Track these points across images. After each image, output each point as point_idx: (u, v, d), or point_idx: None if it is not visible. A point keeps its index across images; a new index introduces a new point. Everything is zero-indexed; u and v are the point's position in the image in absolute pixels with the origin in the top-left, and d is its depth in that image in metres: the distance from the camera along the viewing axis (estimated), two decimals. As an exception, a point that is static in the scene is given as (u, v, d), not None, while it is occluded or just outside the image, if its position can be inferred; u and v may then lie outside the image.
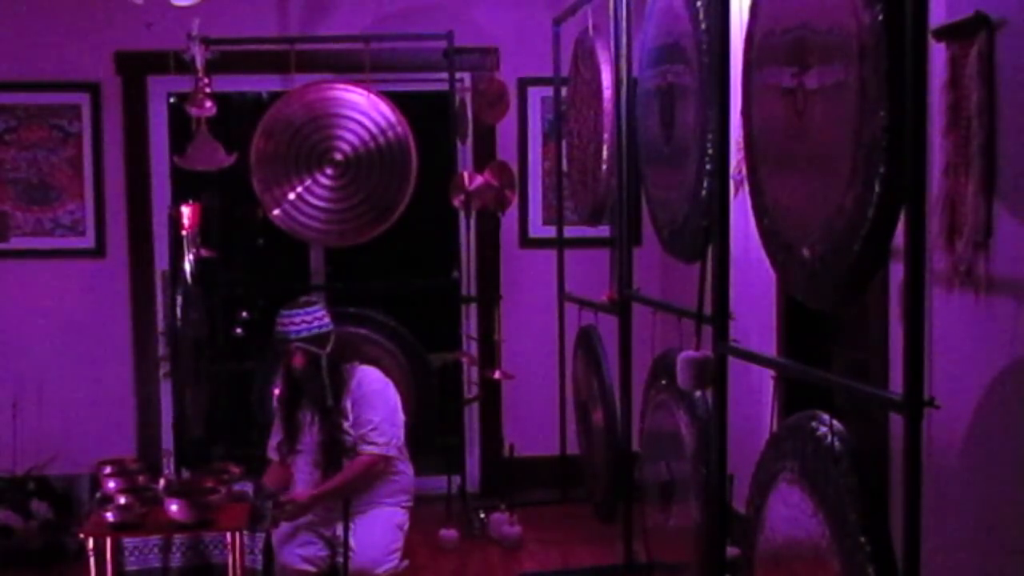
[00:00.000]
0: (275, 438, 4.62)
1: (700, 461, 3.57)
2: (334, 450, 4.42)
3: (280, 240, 5.94)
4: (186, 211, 4.92)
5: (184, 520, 3.79)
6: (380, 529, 4.43)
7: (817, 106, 2.51)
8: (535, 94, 5.99)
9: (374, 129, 5.57)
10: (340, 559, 4.34)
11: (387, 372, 4.79)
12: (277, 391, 4.82)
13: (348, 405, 4.43)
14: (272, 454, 4.61)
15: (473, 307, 5.98)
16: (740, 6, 3.26)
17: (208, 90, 5.14)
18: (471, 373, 5.91)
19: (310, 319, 4.40)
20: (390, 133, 5.57)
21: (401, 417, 4.57)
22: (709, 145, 3.39)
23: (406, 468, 4.63)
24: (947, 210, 2.99)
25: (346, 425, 4.42)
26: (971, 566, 3.07)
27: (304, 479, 4.51)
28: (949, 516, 3.08)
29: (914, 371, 2.29)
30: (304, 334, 4.37)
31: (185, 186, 5.56)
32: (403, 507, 4.57)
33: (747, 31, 2.89)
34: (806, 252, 2.57)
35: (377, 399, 4.48)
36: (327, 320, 4.45)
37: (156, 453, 5.73)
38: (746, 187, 3.01)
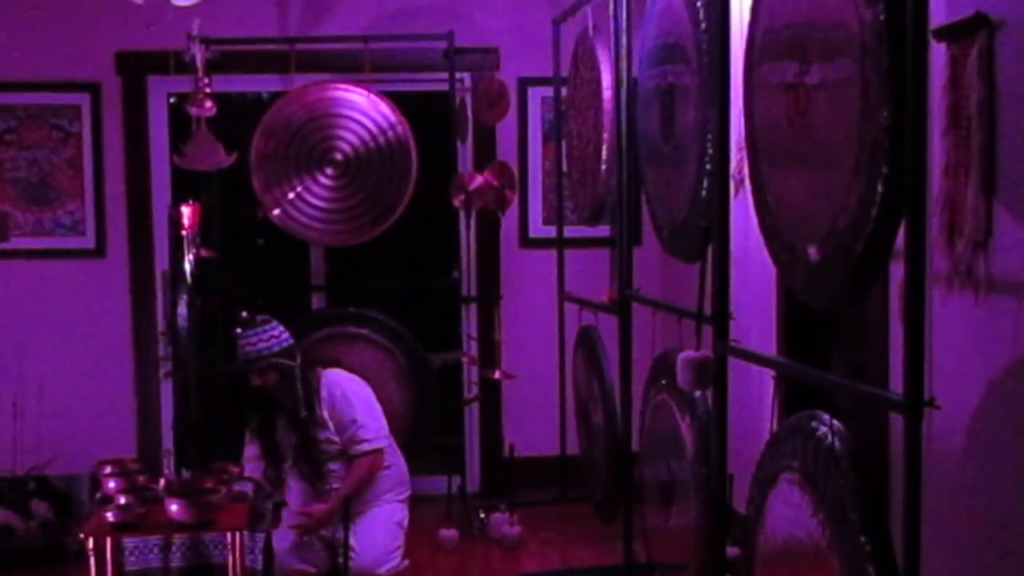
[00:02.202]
0: (249, 450, 4.61)
1: (700, 461, 3.57)
2: (314, 459, 4.42)
3: (280, 240, 5.94)
4: (186, 211, 4.92)
5: (184, 520, 3.79)
6: (381, 528, 4.43)
7: (819, 104, 2.51)
8: (535, 94, 5.99)
9: (374, 129, 5.57)
10: (341, 559, 4.34)
11: (387, 372, 4.80)
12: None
13: (324, 414, 4.43)
14: (247, 464, 4.60)
15: (473, 307, 5.98)
16: (740, 6, 3.26)
17: (208, 90, 5.14)
18: (471, 373, 5.91)
19: (277, 334, 4.43)
20: (390, 133, 5.57)
21: (378, 407, 4.58)
22: (709, 145, 3.39)
23: (397, 459, 4.64)
24: (947, 210, 2.99)
25: (327, 434, 4.43)
26: (971, 566, 3.07)
27: (297, 489, 4.51)
28: (949, 516, 3.08)
29: (914, 371, 2.29)
30: (276, 349, 4.39)
31: (185, 186, 5.56)
32: (401, 501, 4.57)
33: (748, 29, 2.89)
34: (809, 251, 2.57)
35: (351, 397, 4.50)
36: (287, 334, 4.48)
37: (156, 453, 5.73)
38: (746, 187, 3.01)
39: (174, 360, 5.15)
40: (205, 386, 5.37)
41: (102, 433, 5.79)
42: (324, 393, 4.47)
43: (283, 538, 4.39)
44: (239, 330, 4.50)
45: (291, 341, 4.47)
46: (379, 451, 4.47)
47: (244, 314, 4.64)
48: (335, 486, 4.45)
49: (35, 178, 5.86)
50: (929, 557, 2.48)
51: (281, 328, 4.48)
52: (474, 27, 5.86)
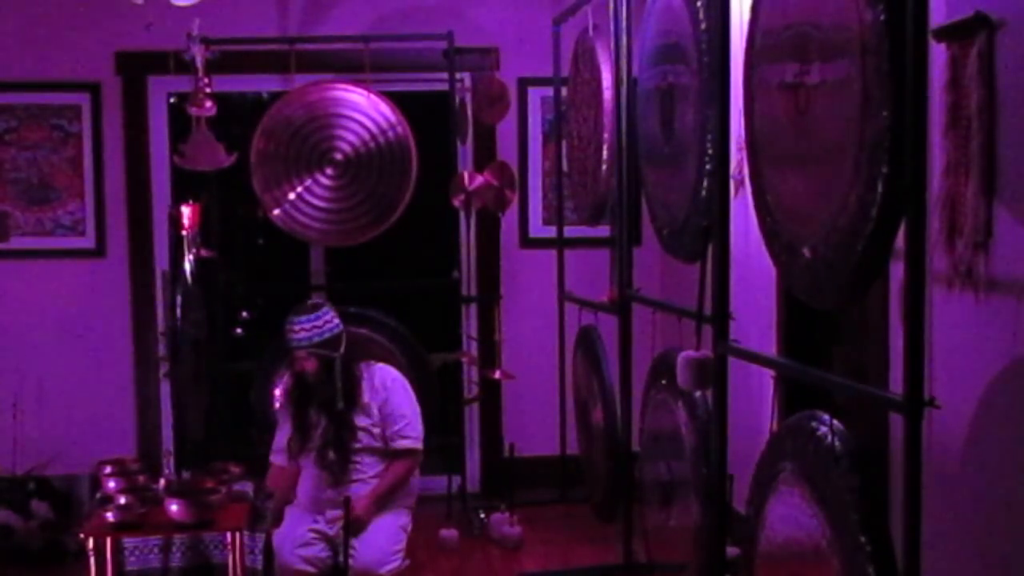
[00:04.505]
0: (280, 439, 4.61)
1: (700, 461, 3.57)
2: (341, 451, 4.42)
3: (280, 240, 5.94)
4: (186, 211, 4.92)
5: (184, 520, 3.79)
6: (384, 530, 4.42)
7: (819, 104, 2.51)
8: (535, 94, 5.99)
9: (374, 129, 5.57)
10: (342, 559, 4.34)
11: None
12: (278, 391, 4.81)
13: (372, 403, 4.43)
14: (274, 457, 4.60)
15: (473, 307, 5.98)
16: (740, 6, 3.26)
17: (208, 90, 5.14)
18: (471, 373, 5.91)
19: (321, 324, 4.37)
20: (390, 133, 5.57)
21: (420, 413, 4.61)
22: (709, 145, 3.39)
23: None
24: (947, 210, 2.99)
25: (367, 423, 4.42)
26: (971, 566, 3.07)
27: (311, 478, 4.50)
28: (949, 516, 3.08)
29: (914, 371, 2.29)
30: (317, 340, 4.35)
31: (185, 186, 5.56)
32: (407, 507, 4.57)
33: (748, 29, 2.89)
34: (808, 252, 2.57)
35: (405, 394, 4.52)
36: (337, 321, 4.42)
37: (156, 453, 5.73)
38: (746, 187, 3.01)
39: (174, 360, 5.15)
40: (205, 386, 5.38)
41: (102, 433, 5.79)
42: (376, 383, 4.46)
43: (283, 537, 4.39)
44: (291, 315, 4.45)
45: (337, 330, 4.40)
46: (419, 453, 4.49)
47: (244, 314, 4.62)
48: (355, 478, 4.44)
49: (35, 178, 5.85)
50: (929, 557, 2.48)
51: (331, 316, 4.41)
52: (474, 27, 5.86)
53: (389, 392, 4.46)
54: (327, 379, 4.38)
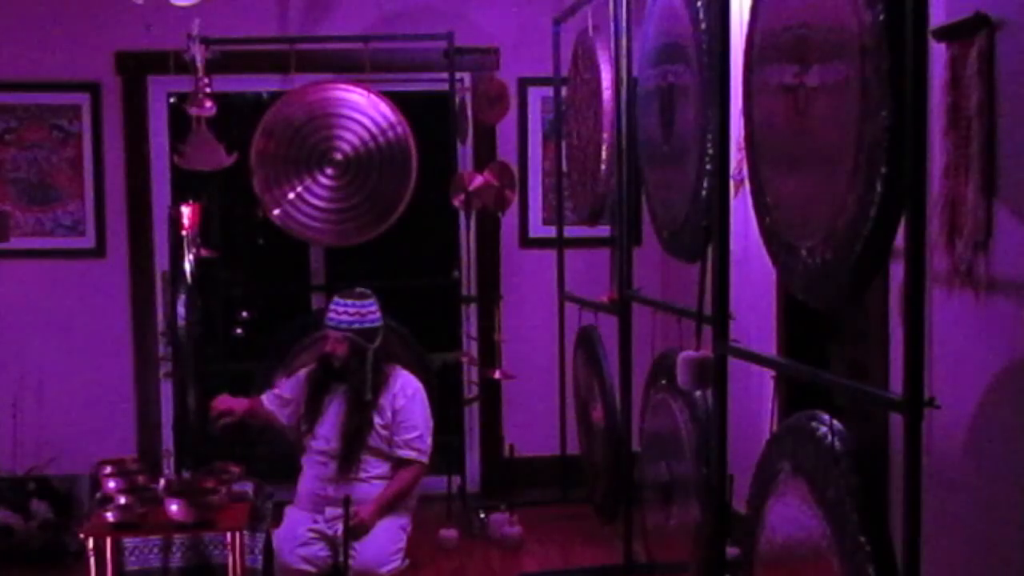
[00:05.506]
0: (283, 392, 4.66)
1: (700, 461, 3.57)
2: (356, 443, 4.42)
3: (280, 240, 5.94)
4: (186, 211, 4.92)
5: (184, 520, 3.79)
6: (383, 530, 4.43)
7: (818, 105, 2.51)
8: (535, 94, 5.99)
9: (374, 129, 5.57)
10: (342, 559, 4.34)
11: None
12: (278, 390, 4.81)
13: (387, 405, 4.45)
14: (266, 397, 4.66)
15: (473, 307, 5.98)
16: (740, 6, 3.26)
17: (208, 90, 5.14)
18: (471, 373, 5.91)
19: (364, 312, 4.45)
20: (390, 133, 5.57)
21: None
22: (709, 145, 3.39)
23: None
24: (947, 210, 2.99)
25: (379, 423, 4.44)
26: (971, 566, 3.07)
27: (312, 475, 4.50)
28: (949, 516, 3.08)
29: (914, 371, 2.29)
30: (357, 326, 4.41)
31: (185, 186, 5.56)
32: (407, 508, 4.58)
33: (748, 30, 2.89)
34: (806, 252, 2.57)
35: (422, 408, 4.55)
36: (379, 315, 4.51)
37: (156, 453, 5.73)
38: (746, 187, 3.01)
39: (174, 360, 5.14)
40: (205, 386, 5.37)
41: (102, 433, 5.78)
42: (397, 387, 4.49)
43: (283, 537, 4.39)
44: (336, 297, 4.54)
45: (376, 323, 4.48)
46: (425, 466, 4.53)
47: (244, 314, 4.64)
48: (361, 475, 4.45)
49: (35, 178, 5.85)
50: (929, 557, 2.48)
51: (375, 307, 4.51)
52: (474, 27, 5.86)
53: (408, 401, 4.49)
54: (358, 368, 4.42)
